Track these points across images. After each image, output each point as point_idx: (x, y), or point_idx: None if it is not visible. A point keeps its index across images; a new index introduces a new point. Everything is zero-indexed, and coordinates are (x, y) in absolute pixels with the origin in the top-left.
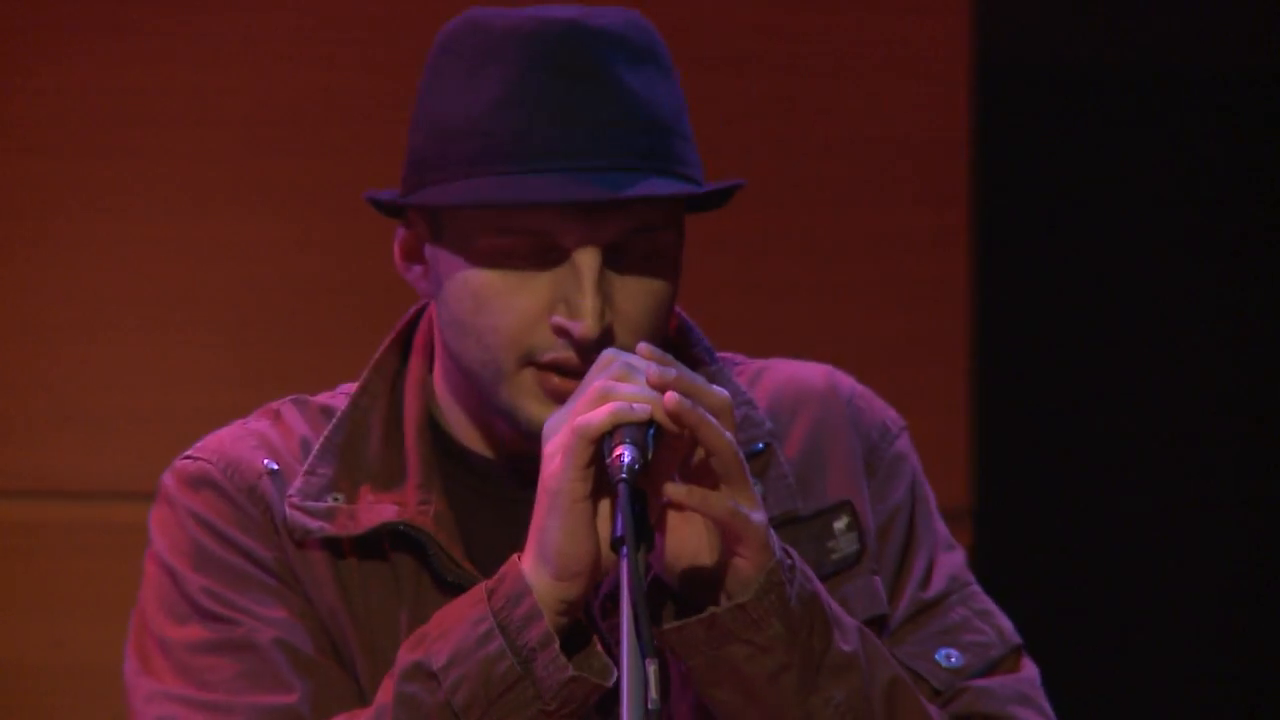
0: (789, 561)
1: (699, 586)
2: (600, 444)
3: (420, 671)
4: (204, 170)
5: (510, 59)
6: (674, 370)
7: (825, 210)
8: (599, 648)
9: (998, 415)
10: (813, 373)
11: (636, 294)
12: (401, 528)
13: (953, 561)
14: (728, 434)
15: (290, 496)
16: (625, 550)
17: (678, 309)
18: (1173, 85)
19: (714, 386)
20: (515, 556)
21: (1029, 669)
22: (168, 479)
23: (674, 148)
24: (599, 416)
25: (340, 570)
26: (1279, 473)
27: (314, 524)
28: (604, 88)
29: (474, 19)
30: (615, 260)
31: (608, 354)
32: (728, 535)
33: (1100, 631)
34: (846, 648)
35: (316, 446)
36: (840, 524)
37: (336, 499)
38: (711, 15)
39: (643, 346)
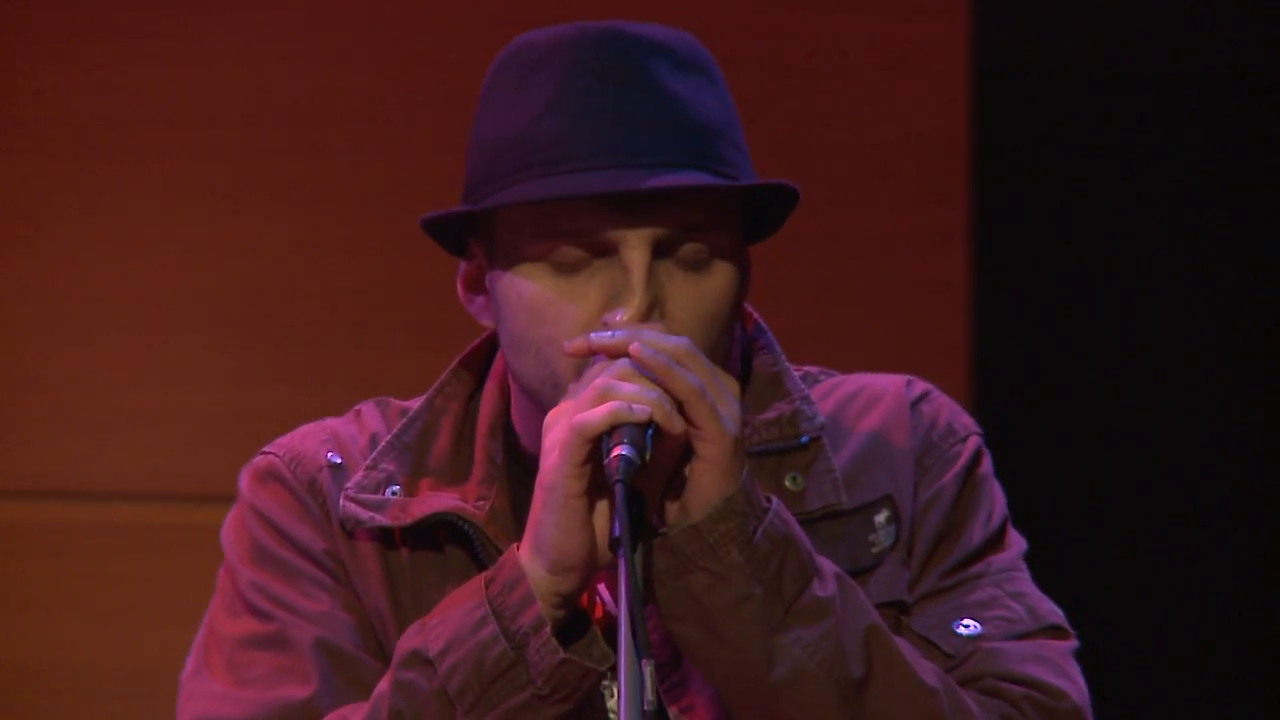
0: (763, 503)
1: (671, 511)
2: (598, 442)
3: (418, 658)
4: (204, 170)
5: (553, 68)
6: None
7: (825, 210)
8: (599, 636)
9: (997, 414)
10: (889, 380)
11: (690, 300)
12: (451, 518)
13: (1001, 556)
14: (702, 358)
15: (347, 489)
16: (622, 552)
17: (756, 316)
18: (1172, 85)
19: (671, 337)
20: (514, 546)
21: (1065, 644)
22: (242, 474)
23: (720, 152)
24: (597, 416)
25: (390, 563)
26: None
27: (365, 514)
28: (645, 90)
29: (520, 40)
30: (666, 264)
31: None
32: (693, 432)
33: (1099, 630)
34: (822, 594)
35: (383, 443)
36: (880, 517)
37: (394, 492)
38: (710, 16)
39: (634, 346)
